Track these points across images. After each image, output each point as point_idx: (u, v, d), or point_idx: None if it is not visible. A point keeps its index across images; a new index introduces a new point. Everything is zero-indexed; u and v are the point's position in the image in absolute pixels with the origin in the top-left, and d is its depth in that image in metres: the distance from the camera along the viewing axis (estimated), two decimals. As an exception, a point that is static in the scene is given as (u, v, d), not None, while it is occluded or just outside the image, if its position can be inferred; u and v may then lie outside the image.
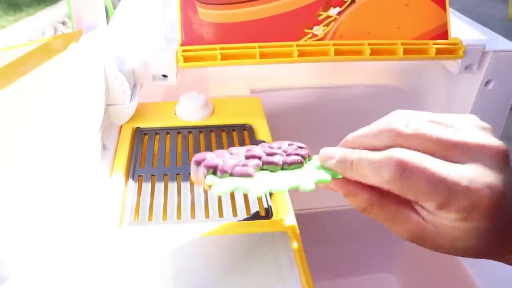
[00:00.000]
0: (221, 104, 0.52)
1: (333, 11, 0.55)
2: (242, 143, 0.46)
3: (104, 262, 0.33)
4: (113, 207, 0.38)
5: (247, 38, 0.53)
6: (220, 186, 0.30)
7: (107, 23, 0.60)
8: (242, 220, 0.37)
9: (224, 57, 0.52)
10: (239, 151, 0.34)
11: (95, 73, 0.45)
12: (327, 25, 0.55)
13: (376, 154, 0.30)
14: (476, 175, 0.29)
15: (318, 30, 0.55)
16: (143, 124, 0.49)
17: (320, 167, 0.34)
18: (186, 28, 0.53)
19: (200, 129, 0.48)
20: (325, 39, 0.56)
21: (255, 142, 0.46)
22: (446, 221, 0.30)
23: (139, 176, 0.42)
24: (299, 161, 0.34)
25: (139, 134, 0.48)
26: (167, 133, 0.48)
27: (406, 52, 0.56)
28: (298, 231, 0.37)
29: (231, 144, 0.46)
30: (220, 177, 0.31)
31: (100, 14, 0.54)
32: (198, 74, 0.58)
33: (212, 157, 0.32)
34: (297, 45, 0.53)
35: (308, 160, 0.35)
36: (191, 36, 0.53)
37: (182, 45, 0.53)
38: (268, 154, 0.34)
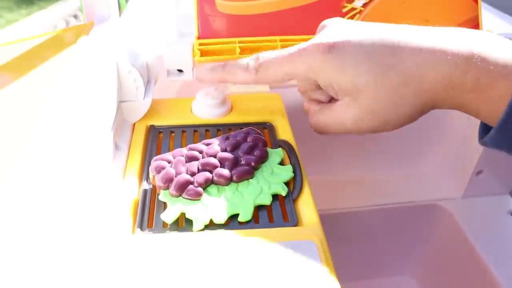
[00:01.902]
0: (240, 101, 0.49)
1: (358, 3, 0.52)
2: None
3: (115, 273, 0.30)
4: (126, 212, 0.35)
5: (267, 31, 0.50)
6: (168, 213, 0.35)
7: (120, 15, 0.58)
8: (265, 228, 0.35)
9: (244, 51, 0.49)
10: (196, 154, 0.39)
11: (107, 68, 0.42)
12: (352, 17, 0.52)
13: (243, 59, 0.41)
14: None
15: (342, 22, 0.52)
16: (158, 122, 0.46)
17: (272, 172, 0.39)
18: (202, 20, 0.50)
19: (218, 127, 0.46)
20: (350, 32, 0.53)
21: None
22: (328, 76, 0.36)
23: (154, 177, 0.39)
24: (248, 172, 0.38)
25: (153, 132, 0.45)
26: (183, 131, 0.45)
27: (436, 46, 0.53)
28: (325, 239, 0.34)
29: None
30: (171, 197, 0.36)
31: (113, 5, 0.52)
32: (215, 69, 0.55)
33: (169, 168, 0.37)
34: (321, 39, 0.50)
35: (262, 163, 0.40)
36: (208, 28, 0.50)
37: (198, 38, 0.50)
38: (223, 160, 0.38)
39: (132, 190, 0.38)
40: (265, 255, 0.32)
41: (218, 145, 0.40)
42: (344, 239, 0.77)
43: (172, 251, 0.32)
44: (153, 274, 0.30)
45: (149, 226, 0.35)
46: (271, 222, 0.35)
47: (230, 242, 0.33)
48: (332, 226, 0.75)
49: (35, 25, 2.85)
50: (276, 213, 0.36)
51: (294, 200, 0.37)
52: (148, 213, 0.36)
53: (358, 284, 0.82)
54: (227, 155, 0.38)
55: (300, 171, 0.40)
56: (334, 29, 0.37)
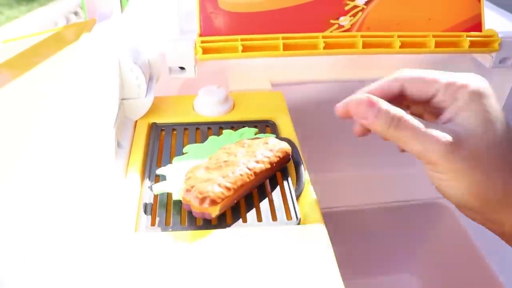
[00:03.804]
0: (242, 99, 0.49)
1: (360, 1, 0.52)
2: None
3: (118, 270, 0.30)
4: (128, 210, 0.35)
5: (269, 28, 0.50)
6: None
7: (121, 12, 0.57)
8: (268, 226, 0.34)
9: (246, 49, 0.49)
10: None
11: (109, 65, 0.42)
12: (354, 15, 0.52)
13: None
14: None
15: (345, 20, 0.52)
16: (160, 120, 0.46)
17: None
18: (204, 18, 0.50)
19: (220, 125, 0.46)
20: (352, 30, 0.52)
21: None
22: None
23: (156, 176, 0.39)
24: None
25: (155, 130, 0.45)
26: (185, 129, 0.45)
27: (438, 44, 0.53)
28: (328, 237, 0.34)
29: None
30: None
31: (114, 2, 0.52)
32: (217, 66, 0.55)
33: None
34: (323, 37, 0.50)
35: None
36: (210, 26, 0.50)
37: (200, 35, 0.50)
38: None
39: (134, 188, 0.38)
40: (268, 253, 0.32)
41: None
42: (346, 237, 0.77)
43: (174, 249, 0.32)
44: (156, 272, 0.30)
45: (152, 224, 0.35)
46: (274, 221, 0.35)
47: (233, 240, 0.33)
48: (334, 224, 0.75)
49: (35, 22, 2.84)
50: (279, 211, 0.36)
51: (297, 198, 0.37)
52: (150, 211, 0.36)
53: (360, 282, 0.82)
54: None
55: (303, 169, 0.39)
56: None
